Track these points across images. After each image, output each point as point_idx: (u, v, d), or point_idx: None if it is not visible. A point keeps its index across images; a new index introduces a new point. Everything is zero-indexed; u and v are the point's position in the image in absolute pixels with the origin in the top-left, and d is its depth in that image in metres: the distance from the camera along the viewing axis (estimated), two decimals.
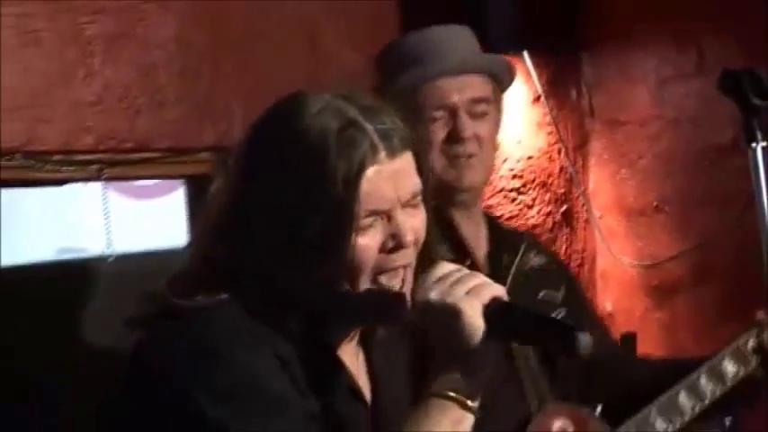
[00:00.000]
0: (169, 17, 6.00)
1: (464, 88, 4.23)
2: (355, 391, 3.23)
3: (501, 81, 4.36)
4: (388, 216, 3.07)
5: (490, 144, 4.29)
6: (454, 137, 4.22)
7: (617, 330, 6.56)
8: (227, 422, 2.92)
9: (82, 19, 5.84)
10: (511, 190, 6.86)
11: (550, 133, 6.87)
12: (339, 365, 3.20)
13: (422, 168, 3.13)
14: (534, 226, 6.79)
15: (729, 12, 5.97)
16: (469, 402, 3.00)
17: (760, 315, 4.21)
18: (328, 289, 3.09)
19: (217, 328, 3.02)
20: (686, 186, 6.48)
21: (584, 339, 2.97)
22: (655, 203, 6.61)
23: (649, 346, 6.29)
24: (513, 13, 6.58)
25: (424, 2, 6.53)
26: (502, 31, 6.66)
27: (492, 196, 6.88)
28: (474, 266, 4.17)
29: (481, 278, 3.04)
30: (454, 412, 2.99)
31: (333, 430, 3.10)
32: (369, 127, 3.03)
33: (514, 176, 6.90)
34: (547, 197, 6.89)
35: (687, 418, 4.21)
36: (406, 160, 3.10)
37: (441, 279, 3.01)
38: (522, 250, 4.40)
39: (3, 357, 5.40)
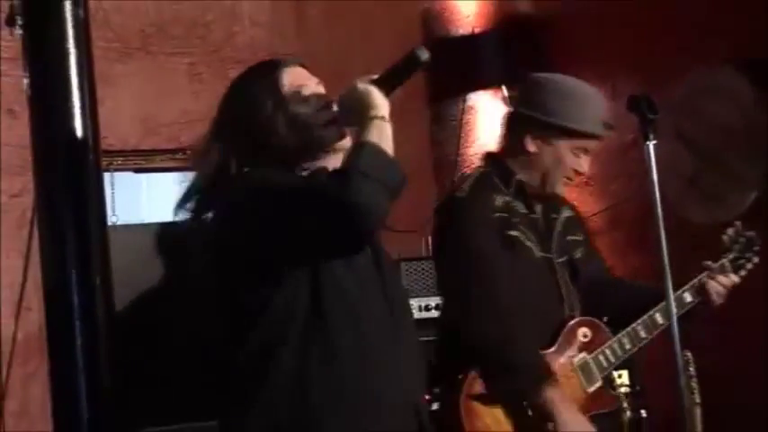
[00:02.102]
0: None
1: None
2: None
3: None
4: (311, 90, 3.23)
5: None
6: (579, 170, 4.11)
7: None
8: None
9: (228, 66, 5.93)
10: None
11: None
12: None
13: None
14: None
15: (634, 57, 6.01)
16: (386, 116, 3.05)
17: (707, 263, 4.17)
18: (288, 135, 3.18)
19: (251, 175, 3.14)
20: (605, 169, 6.38)
21: (422, 51, 3.13)
22: (585, 180, 6.58)
23: None
24: (499, 60, 6.65)
25: (445, 51, 6.57)
26: (491, 71, 6.73)
27: None
28: (537, 219, 4.14)
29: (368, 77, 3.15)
30: (381, 124, 3.02)
31: None
32: (283, 60, 3.27)
33: None
34: None
35: (658, 331, 4.11)
36: (302, 68, 3.29)
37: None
38: (563, 207, 4.27)
39: None
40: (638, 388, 5.20)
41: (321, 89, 3.31)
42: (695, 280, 4.19)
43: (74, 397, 3.92)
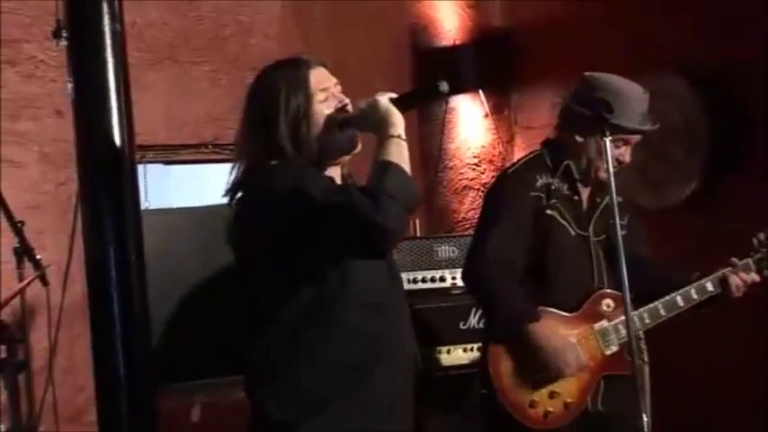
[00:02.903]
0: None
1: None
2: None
3: None
4: (331, 92, 3.11)
5: None
6: (621, 160, 3.98)
7: None
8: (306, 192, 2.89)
9: (243, 72, 5.90)
10: (473, 164, 6.79)
11: (494, 134, 6.77)
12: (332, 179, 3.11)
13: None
14: (485, 183, 6.67)
15: (591, 64, 6.00)
16: (402, 135, 2.95)
17: (733, 260, 4.06)
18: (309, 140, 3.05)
19: (282, 171, 2.96)
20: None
21: (443, 84, 3.01)
22: None
23: None
24: (475, 69, 6.63)
25: (430, 60, 6.63)
26: (469, 78, 6.71)
27: (463, 167, 6.92)
28: (580, 201, 4.09)
29: (387, 93, 3.05)
30: (399, 143, 2.93)
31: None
32: (309, 60, 3.12)
33: (475, 157, 6.80)
34: (491, 167, 6.75)
35: (676, 312, 4.04)
36: (325, 69, 3.15)
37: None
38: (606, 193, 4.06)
39: None
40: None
41: (339, 89, 3.18)
42: (719, 272, 4.09)
43: (112, 355, 3.94)
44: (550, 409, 3.94)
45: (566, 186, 4.06)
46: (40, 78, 5.61)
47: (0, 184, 4.90)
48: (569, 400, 3.96)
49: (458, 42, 6.76)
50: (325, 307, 3.00)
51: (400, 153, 2.96)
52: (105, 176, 4.00)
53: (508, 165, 4.36)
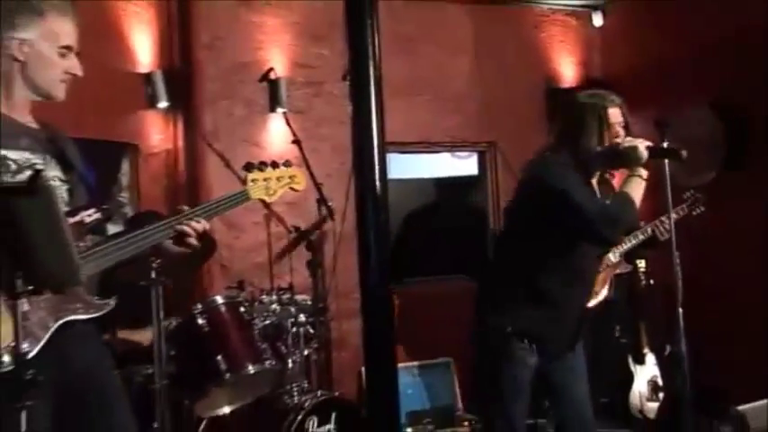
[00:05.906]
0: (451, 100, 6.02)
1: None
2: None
3: None
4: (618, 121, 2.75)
5: None
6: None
7: None
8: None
9: (445, 104, 5.89)
10: None
11: None
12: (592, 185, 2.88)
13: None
14: None
15: (655, 100, 5.82)
16: (644, 176, 2.72)
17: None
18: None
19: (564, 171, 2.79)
20: None
21: (684, 153, 2.78)
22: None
23: None
24: None
25: (555, 96, 6.40)
26: None
27: None
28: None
29: (643, 141, 2.73)
30: (640, 182, 2.80)
31: None
32: (611, 96, 2.86)
33: None
34: None
35: (630, 247, 3.86)
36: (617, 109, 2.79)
37: None
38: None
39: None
40: (649, 269, 5.18)
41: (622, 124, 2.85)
42: (652, 222, 3.82)
43: (368, 259, 4.01)
44: None
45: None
46: (332, 104, 5.78)
47: (309, 163, 5.17)
48: (597, 289, 3.81)
49: (575, 85, 6.70)
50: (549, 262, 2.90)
51: (638, 189, 2.82)
52: (367, 159, 4.11)
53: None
